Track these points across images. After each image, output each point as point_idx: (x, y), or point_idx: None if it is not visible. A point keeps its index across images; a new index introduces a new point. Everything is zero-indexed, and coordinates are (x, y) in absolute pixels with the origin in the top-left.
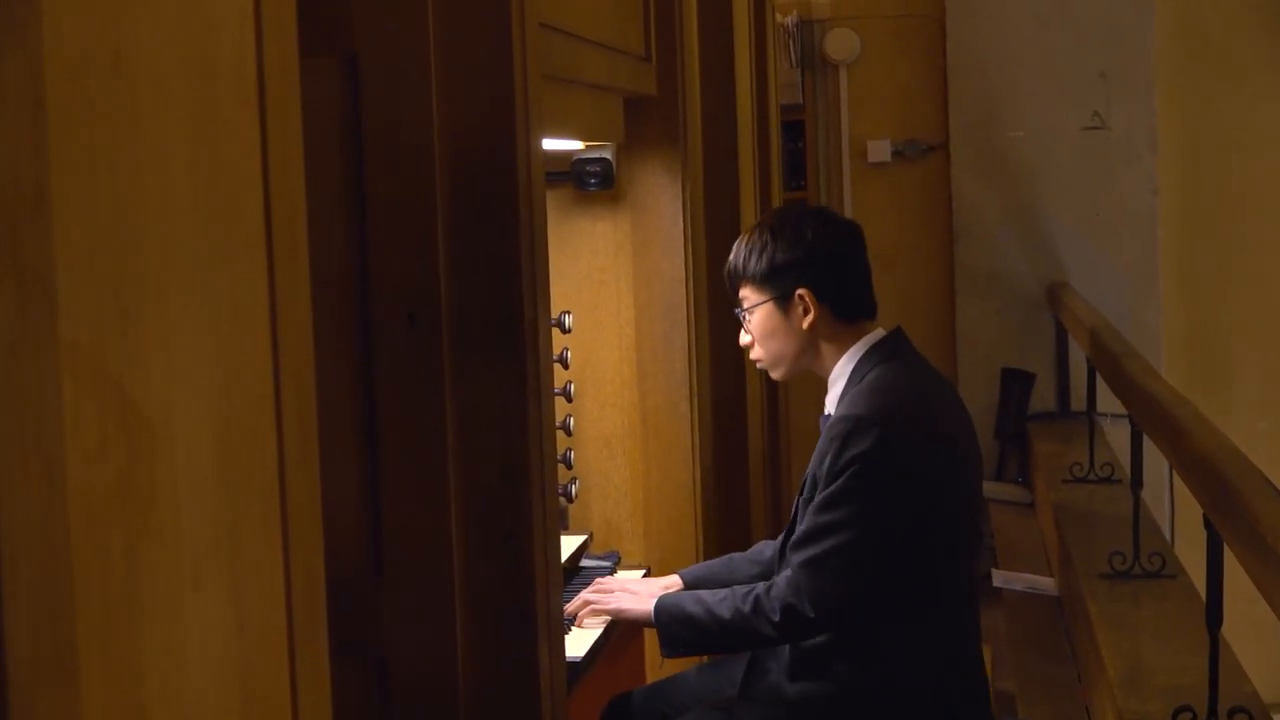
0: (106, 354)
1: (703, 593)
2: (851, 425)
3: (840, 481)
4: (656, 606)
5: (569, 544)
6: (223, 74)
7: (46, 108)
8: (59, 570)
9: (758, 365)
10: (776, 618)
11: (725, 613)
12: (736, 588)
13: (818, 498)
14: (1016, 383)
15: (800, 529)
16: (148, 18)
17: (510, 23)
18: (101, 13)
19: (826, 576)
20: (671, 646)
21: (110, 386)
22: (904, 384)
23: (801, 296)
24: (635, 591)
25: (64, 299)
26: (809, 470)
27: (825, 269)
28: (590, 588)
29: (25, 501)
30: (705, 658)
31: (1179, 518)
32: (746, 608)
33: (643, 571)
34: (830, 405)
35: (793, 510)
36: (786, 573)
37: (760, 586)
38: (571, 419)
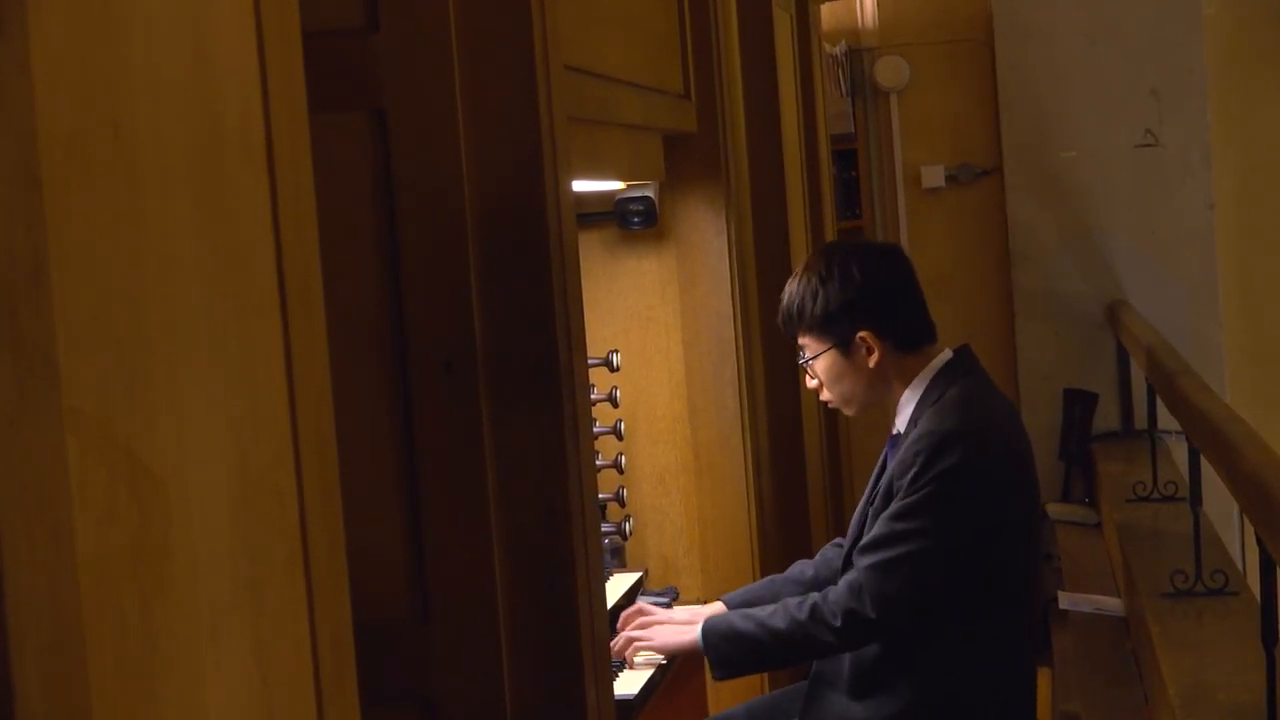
0: (113, 419)
1: (750, 609)
2: (939, 440)
3: (923, 493)
4: (703, 629)
5: (625, 581)
6: (228, 137)
7: (41, 181)
8: (70, 635)
9: (829, 405)
10: (837, 622)
11: (780, 624)
12: (787, 599)
13: (894, 506)
14: (1079, 403)
15: (870, 534)
16: (148, 87)
17: (534, 68)
18: (98, 85)
19: (892, 580)
20: (724, 667)
21: (118, 451)
22: (983, 402)
23: (863, 339)
24: (679, 621)
25: (66, 367)
26: (885, 479)
27: (881, 305)
28: (634, 622)
29: (31, 568)
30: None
31: (1249, 534)
32: (803, 615)
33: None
34: (901, 425)
35: (857, 519)
36: (846, 577)
37: (815, 595)
38: (623, 456)
